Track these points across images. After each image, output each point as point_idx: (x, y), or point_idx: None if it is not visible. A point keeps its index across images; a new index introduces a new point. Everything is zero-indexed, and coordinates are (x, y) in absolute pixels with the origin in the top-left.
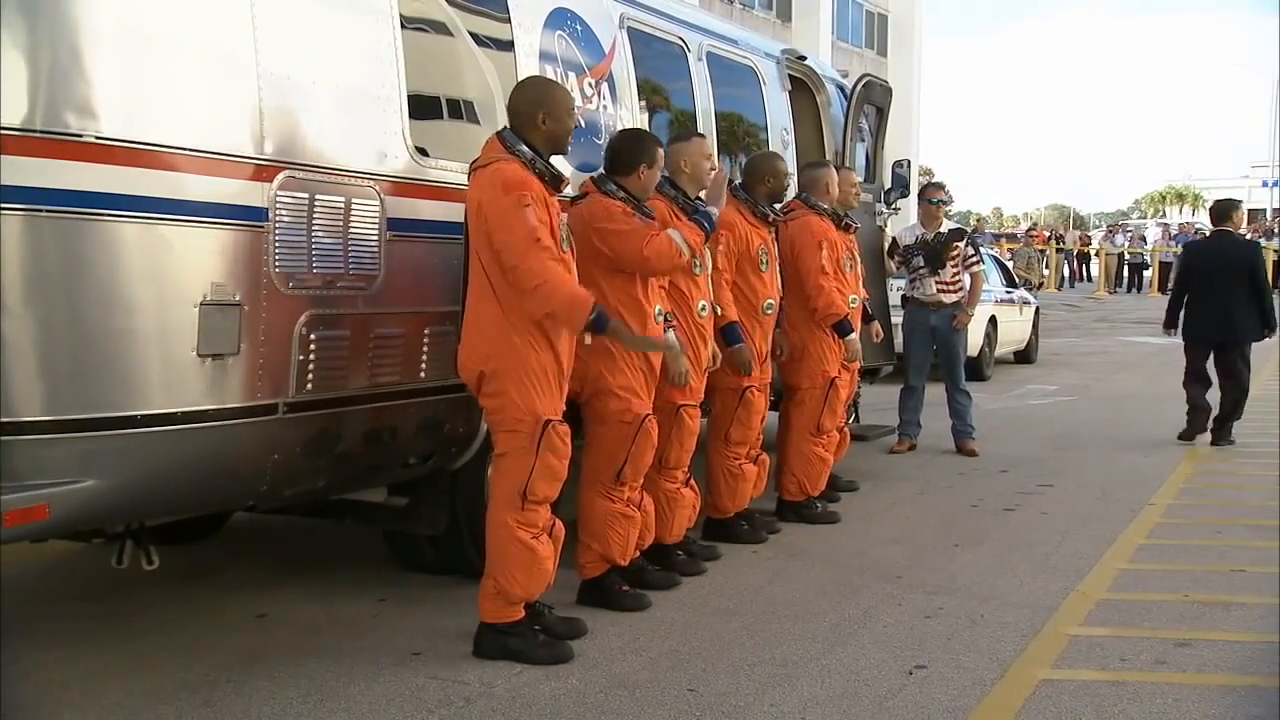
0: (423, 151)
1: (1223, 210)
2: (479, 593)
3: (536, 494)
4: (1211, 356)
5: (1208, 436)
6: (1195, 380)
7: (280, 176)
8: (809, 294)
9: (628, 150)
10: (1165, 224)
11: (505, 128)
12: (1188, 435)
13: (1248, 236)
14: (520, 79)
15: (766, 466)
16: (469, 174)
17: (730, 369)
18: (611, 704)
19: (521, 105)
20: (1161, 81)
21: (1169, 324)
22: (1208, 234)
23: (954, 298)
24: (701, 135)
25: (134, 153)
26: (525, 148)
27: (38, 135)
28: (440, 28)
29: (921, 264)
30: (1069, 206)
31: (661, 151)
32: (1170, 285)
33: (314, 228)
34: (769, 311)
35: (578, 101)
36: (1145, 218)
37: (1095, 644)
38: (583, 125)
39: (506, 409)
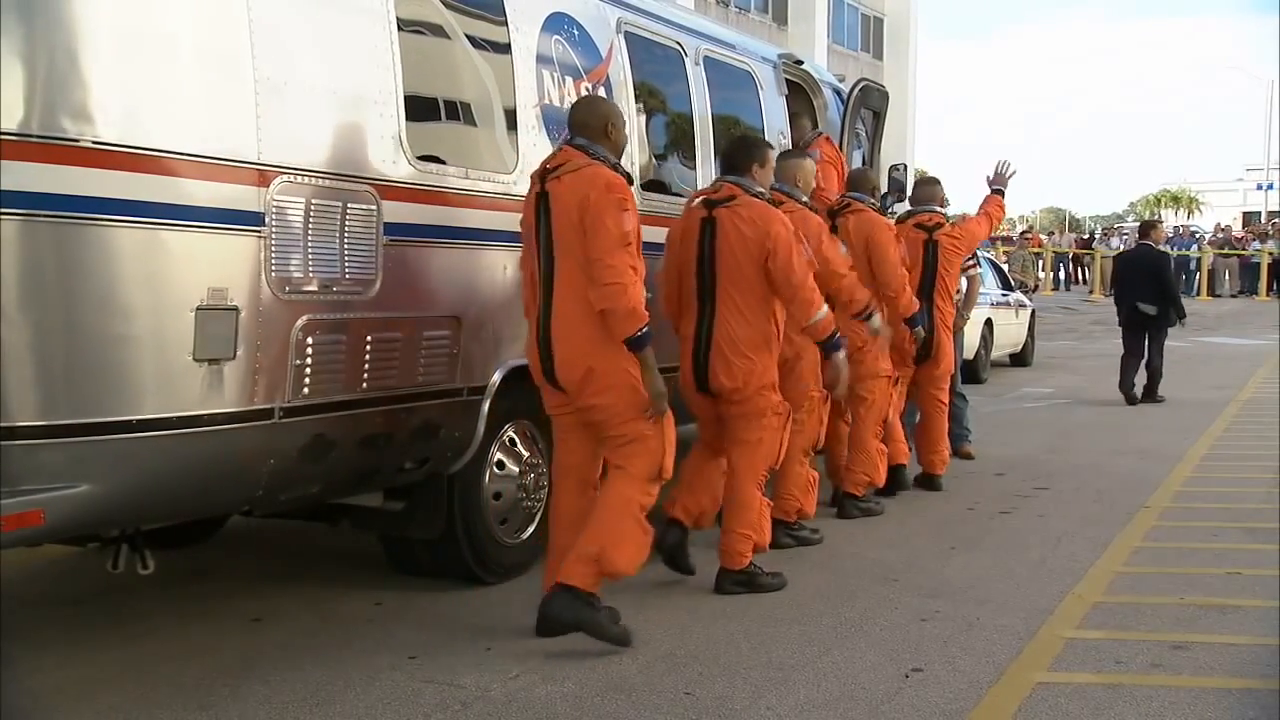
0: (420, 155)
1: (1143, 228)
2: (569, 558)
3: (668, 469)
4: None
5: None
6: (1127, 355)
7: (277, 181)
8: (892, 289)
9: (740, 153)
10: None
11: (575, 139)
12: (1123, 391)
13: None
14: (517, 82)
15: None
16: (543, 179)
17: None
18: (608, 707)
19: (589, 119)
20: (1156, 84)
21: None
22: (1134, 245)
23: None
24: (811, 156)
25: (130, 157)
26: (608, 155)
27: (34, 140)
28: (437, 31)
29: None
30: (1064, 209)
31: (772, 154)
32: (1111, 286)
33: (311, 232)
34: None
35: None
36: (1140, 220)
37: (1091, 647)
38: None
39: (624, 399)
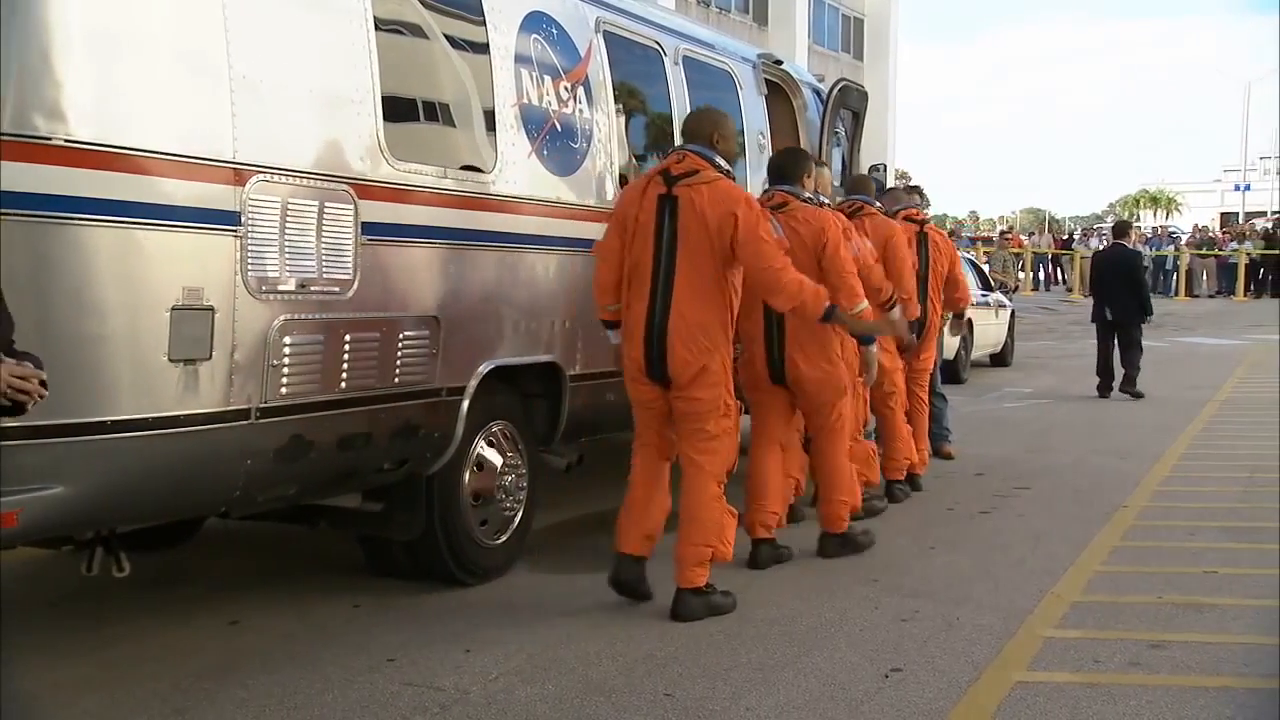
0: (398, 155)
1: (1119, 229)
2: (682, 563)
3: (735, 466)
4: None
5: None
6: (1103, 354)
7: (253, 180)
8: (906, 291)
9: (792, 164)
10: (1136, 226)
11: (690, 145)
12: (1101, 393)
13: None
14: (496, 81)
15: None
16: (668, 181)
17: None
18: (588, 709)
19: (698, 128)
20: (1135, 85)
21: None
22: (1109, 244)
23: None
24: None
25: (104, 156)
26: (726, 165)
27: (7, 138)
28: (415, 30)
29: None
30: (1044, 210)
31: (813, 165)
32: (1089, 286)
33: (288, 232)
34: None
35: (554, 105)
36: (1116, 221)
37: (1070, 646)
38: (559, 129)
39: (723, 396)
